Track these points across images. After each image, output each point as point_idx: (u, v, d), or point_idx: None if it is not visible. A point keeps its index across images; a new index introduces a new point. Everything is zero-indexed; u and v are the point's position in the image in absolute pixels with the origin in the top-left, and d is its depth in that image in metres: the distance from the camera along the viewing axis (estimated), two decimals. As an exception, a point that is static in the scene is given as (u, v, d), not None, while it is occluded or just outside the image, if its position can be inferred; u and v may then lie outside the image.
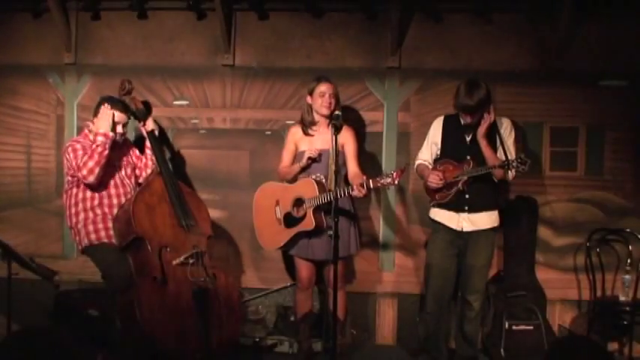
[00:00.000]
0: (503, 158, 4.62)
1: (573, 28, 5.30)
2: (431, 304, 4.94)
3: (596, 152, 5.46)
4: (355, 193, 4.45)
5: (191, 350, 4.39)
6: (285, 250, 5.01)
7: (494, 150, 4.69)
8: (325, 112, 4.82)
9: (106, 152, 4.73)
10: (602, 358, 2.06)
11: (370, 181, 4.42)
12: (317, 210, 4.69)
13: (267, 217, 4.96)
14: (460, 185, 4.66)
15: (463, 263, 4.83)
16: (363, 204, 5.54)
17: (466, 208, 4.73)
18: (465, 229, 4.75)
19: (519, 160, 4.42)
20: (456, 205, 4.74)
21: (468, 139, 4.76)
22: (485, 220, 4.76)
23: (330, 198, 4.47)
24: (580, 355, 2.03)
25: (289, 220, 4.82)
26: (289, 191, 4.85)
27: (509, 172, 4.56)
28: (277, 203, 4.90)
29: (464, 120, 4.72)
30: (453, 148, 4.80)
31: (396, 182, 4.35)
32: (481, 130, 4.66)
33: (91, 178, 4.72)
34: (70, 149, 4.80)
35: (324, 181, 4.74)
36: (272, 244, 5.01)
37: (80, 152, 4.75)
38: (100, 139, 4.75)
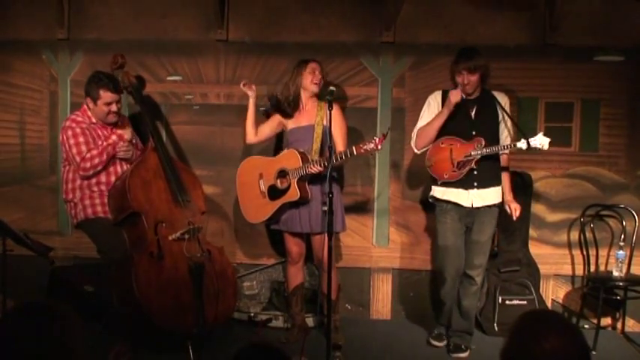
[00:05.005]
0: (503, 135, 4.76)
1: (568, 2, 5.28)
2: (449, 286, 4.88)
3: (590, 128, 5.46)
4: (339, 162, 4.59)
5: (187, 325, 4.40)
6: (269, 223, 5.05)
7: (497, 126, 4.74)
8: (315, 89, 4.89)
9: (113, 152, 4.78)
10: (567, 331, 2.06)
11: (354, 147, 4.49)
12: (301, 180, 4.72)
13: (250, 192, 4.99)
14: (474, 164, 4.64)
15: (467, 239, 4.81)
16: (358, 179, 5.56)
17: (475, 184, 4.69)
18: (475, 205, 4.70)
19: (539, 139, 4.48)
20: (465, 182, 4.69)
21: (473, 113, 4.74)
22: (493, 195, 4.74)
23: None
24: (545, 327, 2.03)
25: (273, 193, 4.85)
26: (273, 163, 4.89)
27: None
28: (261, 176, 4.93)
29: (462, 85, 4.64)
30: (457, 123, 4.72)
31: (379, 147, 4.41)
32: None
33: (91, 172, 4.74)
34: (70, 132, 4.74)
35: (307, 152, 4.78)
36: (257, 218, 5.02)
37: (81, 139, 4.72)
38: (114, 138, 4.79)
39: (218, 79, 5.65)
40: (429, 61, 5.49)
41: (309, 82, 4.88)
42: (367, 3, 5.52)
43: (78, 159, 4.71)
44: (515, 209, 4.77)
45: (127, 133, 4.85)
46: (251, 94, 5.04)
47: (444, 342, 5.03)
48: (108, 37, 5.65)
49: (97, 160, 4.71)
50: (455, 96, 4.63)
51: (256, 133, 5.05)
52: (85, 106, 4.86)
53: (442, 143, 4.75)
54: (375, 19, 5.52)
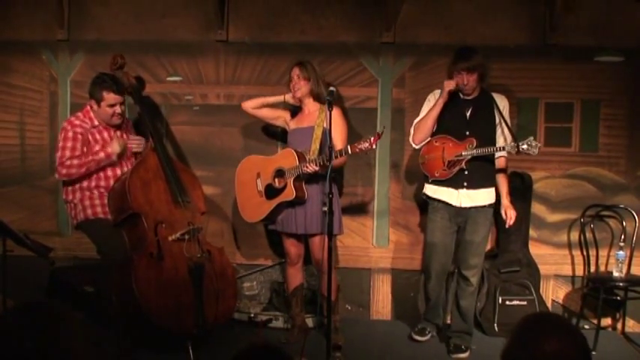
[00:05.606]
0: (501, 139, 4.74)
1: (569, 3, 5.28)
2: (434, 282, 4.94)
3: (590, 128, 5.45)
4: (338, 161, 4.64)
5: (187, 326, 4.40)
6: (267, 223, 5.06)
7: (494, 128, 4.73)
8: (298, 94, 4.91)
9: (95, 167, 4.78)
10: (568, 333, 2.05)
11: (349, 147, 4.53)
12: (297, 180, 4.73)
13: (248, 191, 4.99)
14: (464, 164, 4.66)
15: (461, 239, 4.82)
16: (358, 180, 5.56)
17: (465, 184, 4.71)
18: (463, 205, 4.72)
19: (529, 144, 4.49)
20: (454, 182, 4.71)
21: (468, 114, 4.74)
22: (483, 196, 4.75)
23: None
24: (546, 330, 2.02)
25: (270, 192, 4.86)
26: (270, 162, 4.90)
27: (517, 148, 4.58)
28: (258, 175, 4.94)
29: (459, 84, 4.64)
30: (452, 123, 4.74)
31: (374, 146, 4.47)
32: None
33: (64, 178, 4.79)
34: (62, 134, 4.79)
35: (305, 153, 4.78)
36: (254, 217, 5.01)
37: (69, 144, 4.74)
38: (101, 155, 4.76)
39: (218, 79, 5.65)
40: (429, 61, 5.49)
41: (292, 88, 4.93)
42: (367, 3, 5.52)
43: (57, 161, 4.76)
44: (510, 217, 4.78)
45: (115, 151, 4.78)
46: (288, 100, 5.05)
47: (427, 337, 5.05)
48: (108, 38, 5.65)
49: (73, 170, 4.73)
50: (448, 85, 4.65)
51: (258, 109, 5.07)
52: (88, 108, 4.86)
53: (436, 141, 4.77)
54: (375, 19, 5.51)
